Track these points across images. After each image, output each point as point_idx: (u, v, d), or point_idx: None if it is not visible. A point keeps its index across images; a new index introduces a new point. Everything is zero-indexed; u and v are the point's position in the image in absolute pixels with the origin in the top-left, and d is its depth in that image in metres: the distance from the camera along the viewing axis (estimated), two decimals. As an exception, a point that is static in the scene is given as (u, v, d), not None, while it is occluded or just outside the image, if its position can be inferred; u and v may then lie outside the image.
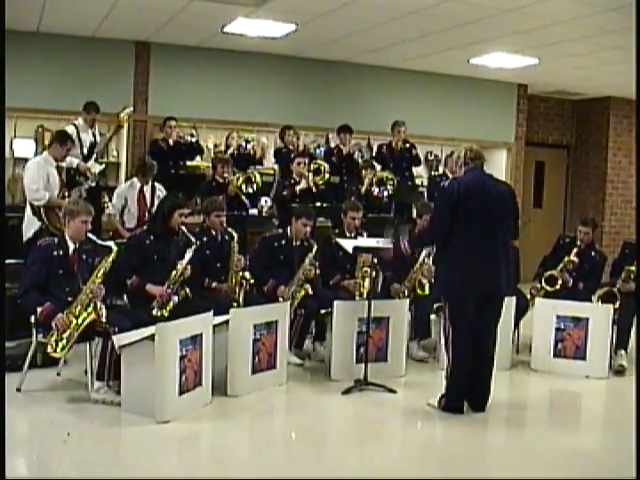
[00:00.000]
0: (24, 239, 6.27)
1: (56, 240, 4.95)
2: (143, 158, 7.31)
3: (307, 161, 7.65)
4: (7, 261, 5.52)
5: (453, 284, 4.72)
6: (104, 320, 4.68)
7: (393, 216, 7.93)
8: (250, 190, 7.30)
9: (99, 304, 4.70)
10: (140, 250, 5.38)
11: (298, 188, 7.41)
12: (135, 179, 7.21)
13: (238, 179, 7.29)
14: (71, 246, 4.91)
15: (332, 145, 8.77)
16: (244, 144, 8.21)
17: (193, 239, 5.46)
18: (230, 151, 8.12)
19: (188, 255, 5.37)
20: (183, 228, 5.47)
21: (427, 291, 6.12)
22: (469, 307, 4.66)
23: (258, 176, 7.52)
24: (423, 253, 6.18)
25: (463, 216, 4.60)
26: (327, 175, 7.63)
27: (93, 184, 6.85)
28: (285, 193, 7.40)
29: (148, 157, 7.26)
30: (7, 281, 5.37)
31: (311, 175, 7.54)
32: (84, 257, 4.97)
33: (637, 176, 10.14)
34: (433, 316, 6.19)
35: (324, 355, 5.86)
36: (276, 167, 8.47)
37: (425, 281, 6.14)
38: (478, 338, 4.71)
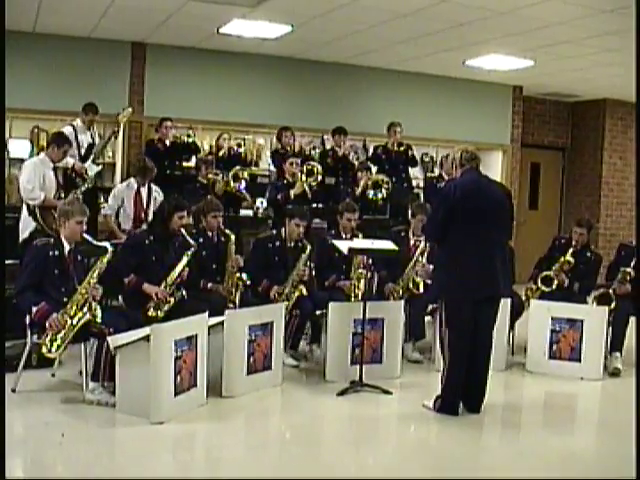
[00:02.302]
0: (20, 239, 6.27)
1: (52, 240, 4.93)
2: (143, 159, 7.26)
3: (299, 162, 7.65)
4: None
5: (450, 286, 4.73)
6: (99, 321, 4.68)
7: (388, 218, 7.94)
8: (241, 185, 7.30)
9: (94, 305, 4.71)
10: (138, 250, 5.37)
11: (292, 192, 7.38)
12: (132, 180, 7.10)
13: (223, 178, 7.28)
14: (67, 246, 4.90)
15: (327, 147, 8.78)
16: (235, 147, 8.19)
17: (192, 242, 5.46)
18: (221, 153, 8.09)
19: (186, 258, 5.37)
20: (183, 231, 5.46)
21: (422, 289, 6.13)
22: (466, 309, 4.67)
23: (246, 172, 7.51)
24: (417, 251, 6.20)
25: (460, 217, 4.60)
26: (320, 177, 7.60)
27: (90, 186, 6.84)
28: (279, 197, 7.39)
29: (149, 159, 7.23)
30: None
31: (304, 176, 7.51)
32: (79, 258, 4.97)
33: (637, 179, 10.13)
34: (428, 317, 6.21)
35: (319, 357, 5.86)
36: (272, 168, 8.47)
37: (419, 280, 6.15)
38: (474, 339, 4.71)
